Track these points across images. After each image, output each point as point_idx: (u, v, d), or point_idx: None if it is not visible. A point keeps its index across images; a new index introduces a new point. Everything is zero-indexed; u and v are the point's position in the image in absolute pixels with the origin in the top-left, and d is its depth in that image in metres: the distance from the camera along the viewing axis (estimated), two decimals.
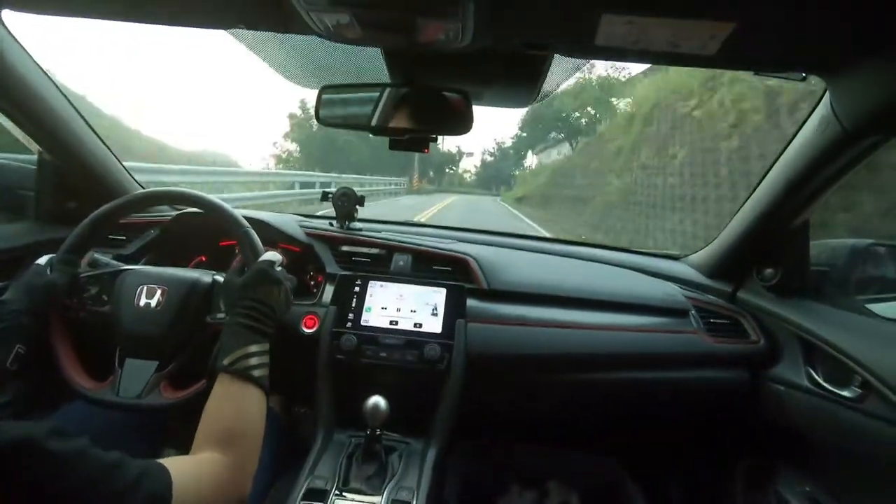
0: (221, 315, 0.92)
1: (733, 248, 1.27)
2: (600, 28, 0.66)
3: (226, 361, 0.72)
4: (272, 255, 0.87)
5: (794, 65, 0.83)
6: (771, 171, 1.10)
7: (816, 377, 1.06)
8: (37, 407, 1.17)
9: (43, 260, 0.92)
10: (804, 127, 0.99)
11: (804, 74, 0.86)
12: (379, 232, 1.35)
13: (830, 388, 1.02)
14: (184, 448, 0.68)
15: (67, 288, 0.92)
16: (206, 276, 0.94)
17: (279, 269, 0.85)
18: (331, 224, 1.35)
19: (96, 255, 1.02)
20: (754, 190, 1.16)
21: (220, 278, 0.94)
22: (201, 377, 0.88)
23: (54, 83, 1.12)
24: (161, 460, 0.56)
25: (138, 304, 0.90)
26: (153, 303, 0.90)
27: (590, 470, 1.47)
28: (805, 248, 1.16)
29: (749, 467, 1.29)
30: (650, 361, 1.20)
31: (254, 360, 0.73)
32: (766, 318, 1.22)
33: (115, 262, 1.03)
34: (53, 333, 0.91)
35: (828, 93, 0.88)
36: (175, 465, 0.56)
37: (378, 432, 0.94)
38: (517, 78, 0.93)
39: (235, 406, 0.70)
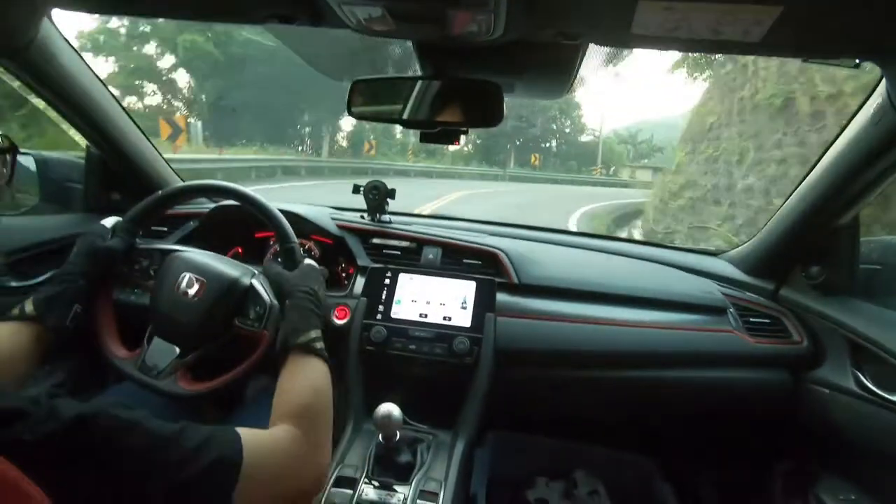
0: (250, 322, 0.93)
1: (777, 244, 1.22)
2: (637, 15, 0.64)
3: (300, 340, 0.76)
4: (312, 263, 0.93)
5: (846, 50, 0.78)
6: (819, 164, 1.05)
7: (864, 381, 1.01)
8: (86, 386, 1.23)
9: (109, 221, 0.94)
10: (857, 117, 0.94)
11: (858, 61, 0.81)
12: (409, 225, 1.35)
13: (880, 392, 0.97)
14: None
15: (123, 256, 0.95)
16: (245, 278, 0.94)
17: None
18: (362, 217, 1.37)
19: (140, 245, 1.06)
20: (800, 183, 1.11)
21: (256, 283, 0.94)
22: (216, 374, 0.91)
23: (101, 80, 1.16)
24: (237, 429, 0.56)
25: (178, 290, 0.93)
26: (191, 292, 0.93)
27: (619, 466, 1.45)
28: (854, 244, 1.10)
29: (787, 471, 1.24)
30: (684, 360, 1.17)
31: (319, 344, 0.78)
32: (810, 318, 1.17)
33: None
34: (99, 298, 0.94)
35: (884, 80, 0.83)
36: (249, 434, 0.57)
37: (398, 436, 0.94)
38: (550, 68, 0.91)
39: (310, 381, 0.73)
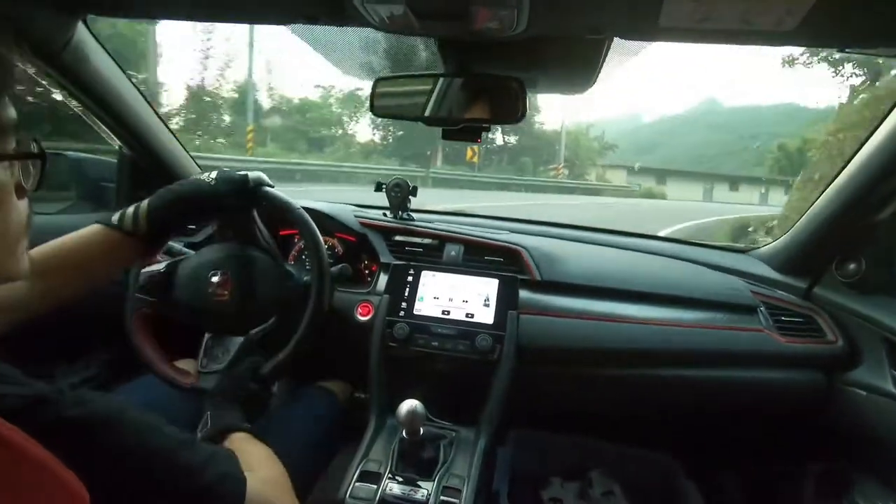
0: (206, 358, 0.97)
1: (810, 240, 1.18)
2: (664, 7, 0.62)
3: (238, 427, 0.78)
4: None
5: (886, 40, 0.75)
6: (857, 156, 1.01)
7: None
8: (118, 379, 1.27)
9: (255, 175, 0.95)
10: None
11: None
12: (431, 222, 1.36)
13: None
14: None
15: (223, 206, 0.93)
16: (252, 323, 0.96)
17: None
18: (385, 214, 1.37)
19: (171, 243, 1.08)
20: (836, 177, 1.07)
21: (242, 344, 0.97)
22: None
23: (133, 83, 1.20)
24: None
25: (209, 278, 0.95)
26: (215, 288, 0.94)
27: (643, 465, 1.43)
28: (893, 241, 1.06)
29: (821, 473, 1.21)
30: (712, 359, 1.14)
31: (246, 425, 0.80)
32: (845, 317, 1.13)
33: (187, 250, 1.09)
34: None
35: None
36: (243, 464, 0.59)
37: (421, 432, 0.94)
38: (574, 64, 0.90)
39: (257, 454, 0.73)
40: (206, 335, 0.99)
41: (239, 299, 0.95)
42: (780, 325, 1.15)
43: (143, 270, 0.97)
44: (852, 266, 1.11)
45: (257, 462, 0.68)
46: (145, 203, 0.84)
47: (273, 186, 0.98)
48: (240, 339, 0.96)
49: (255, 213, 0.99)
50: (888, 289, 1.08)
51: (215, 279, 0.94)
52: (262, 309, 0.97)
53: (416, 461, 0.95)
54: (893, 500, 1.00)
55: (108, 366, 1.31)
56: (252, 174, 0.94)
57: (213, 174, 0.91)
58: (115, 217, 0.82)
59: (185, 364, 1.03)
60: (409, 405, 0.90)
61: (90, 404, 0.45)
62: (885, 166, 0.95)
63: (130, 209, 0.83)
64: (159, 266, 0.98)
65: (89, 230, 0.80)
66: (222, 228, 1.02)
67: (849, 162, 1.03)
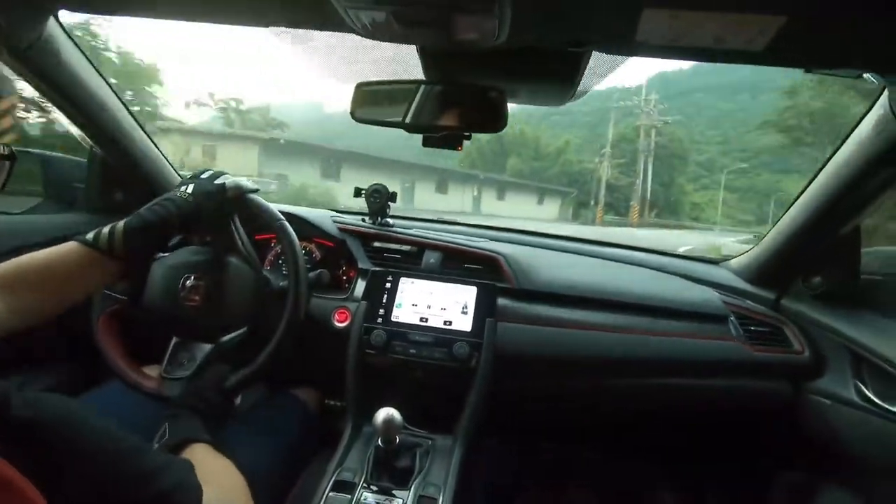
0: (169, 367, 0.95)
1: (778, 253, 1.22)
2: (641, 24, 0.64)
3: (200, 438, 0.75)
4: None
5: (849, 62, 0.78)
6: (821, 174, 1.05)
7: (866, 392, 1.00)
8: (82, 391, 1.23)
9: (233, 182, 0.91)
10: (859, 127, 0.94)
11: (860, 72, 0.81)
12: (410, 228, 1.35)
13: (882, 404, 0.96)
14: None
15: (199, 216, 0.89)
16: (224, 329, 0.95)
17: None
18: (363, 220, 1.37)
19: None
20: (802, 192, 1.11)
21: (209, 354, 0.95)
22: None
23: (106, 80, 1.17)
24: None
25: (182, 282, 0.93)
26: (187, 293, 0.92)
27: (619, 474, 1.45)
28: (856, 255, 1.10)
29: (790, 481, 1.24)
30: (684, 368, 1.16)
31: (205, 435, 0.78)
32: (811, 328, 1.16)
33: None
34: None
35: (886, 92, 0.83)
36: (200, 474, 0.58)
37: (397, 440, 0.93)
38: (554, 75, 0.91)
39: (215, 466, 0.72)
40: (174, 340, 0.97)
41: (210, 306, 0.93)
42: (749, 334, 1.19)
43: None
44: (818, 279, 1.15)
45: (215, 473, 0.66)
46: (122, 223, 0.80)
47: (257, 191, 0.96)
48: (208, 347, 0.94)
49: (237, 219, 0.97)
50: (852, 301, 1.13)
51: (188, 283, 0.92)
52: (233, 318, 0.95)
53: (391, 470, 0.94)
54: None
55: (68, 378, 1.26)
56: (230, 181, 0.91)
57: (190, 188, 0.87)
58: (91, 235, 0.78)
59: (150, 371, 1.00)
60: (385, 413, 0.88)
61: (40, 405, 0.44)
62: (847, 183, 0.99)
63: (106, 229, 0.79)
64: None
65: (65, 247, 0.76)
66: (201, 233, 1.00)
67: (814, 178, 1.07)
